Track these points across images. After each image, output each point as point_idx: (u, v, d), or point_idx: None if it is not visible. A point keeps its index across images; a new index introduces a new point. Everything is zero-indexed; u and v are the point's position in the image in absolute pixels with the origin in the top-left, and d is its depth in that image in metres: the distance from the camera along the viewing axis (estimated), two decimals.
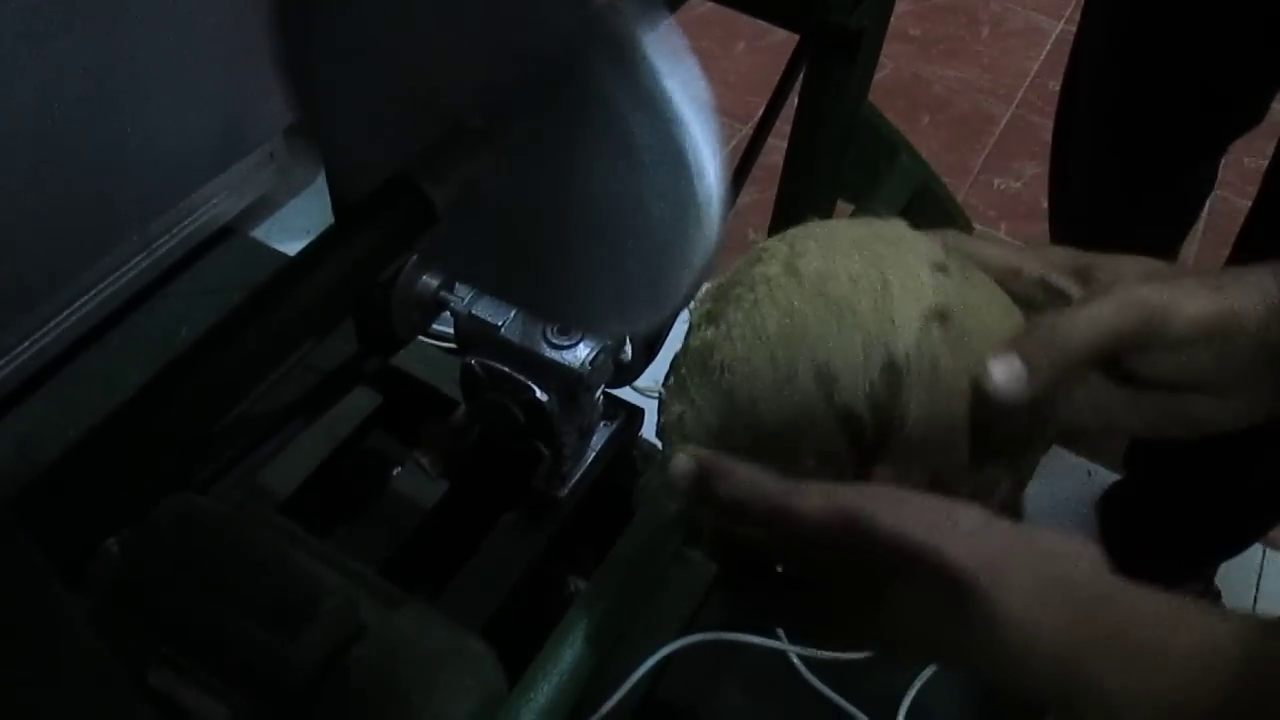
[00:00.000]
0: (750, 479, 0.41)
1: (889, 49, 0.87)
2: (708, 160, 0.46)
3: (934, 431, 0.41)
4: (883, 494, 0.39)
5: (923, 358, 0.41)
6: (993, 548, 0.37)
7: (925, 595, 0.37)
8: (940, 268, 0.44)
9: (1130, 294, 0.41)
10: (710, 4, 0.87)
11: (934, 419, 0.41)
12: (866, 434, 0.41)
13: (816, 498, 0.39)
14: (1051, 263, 0.46)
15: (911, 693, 1.13)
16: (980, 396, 0.41)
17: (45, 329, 1.26)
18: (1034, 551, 0.37)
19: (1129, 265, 0.45)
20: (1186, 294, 0.41)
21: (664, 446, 0.47)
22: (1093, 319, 0.41)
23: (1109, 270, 0.45)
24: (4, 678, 0.24)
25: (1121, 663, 0.35)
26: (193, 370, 0.35)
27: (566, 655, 0.71)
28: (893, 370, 0.41)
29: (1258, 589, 1.35)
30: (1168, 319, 0.40)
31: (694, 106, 0.45)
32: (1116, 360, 0.43)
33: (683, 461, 0.42)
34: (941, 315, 0.42)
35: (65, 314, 1.28)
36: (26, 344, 1.25)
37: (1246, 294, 0.41)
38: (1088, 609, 0.36)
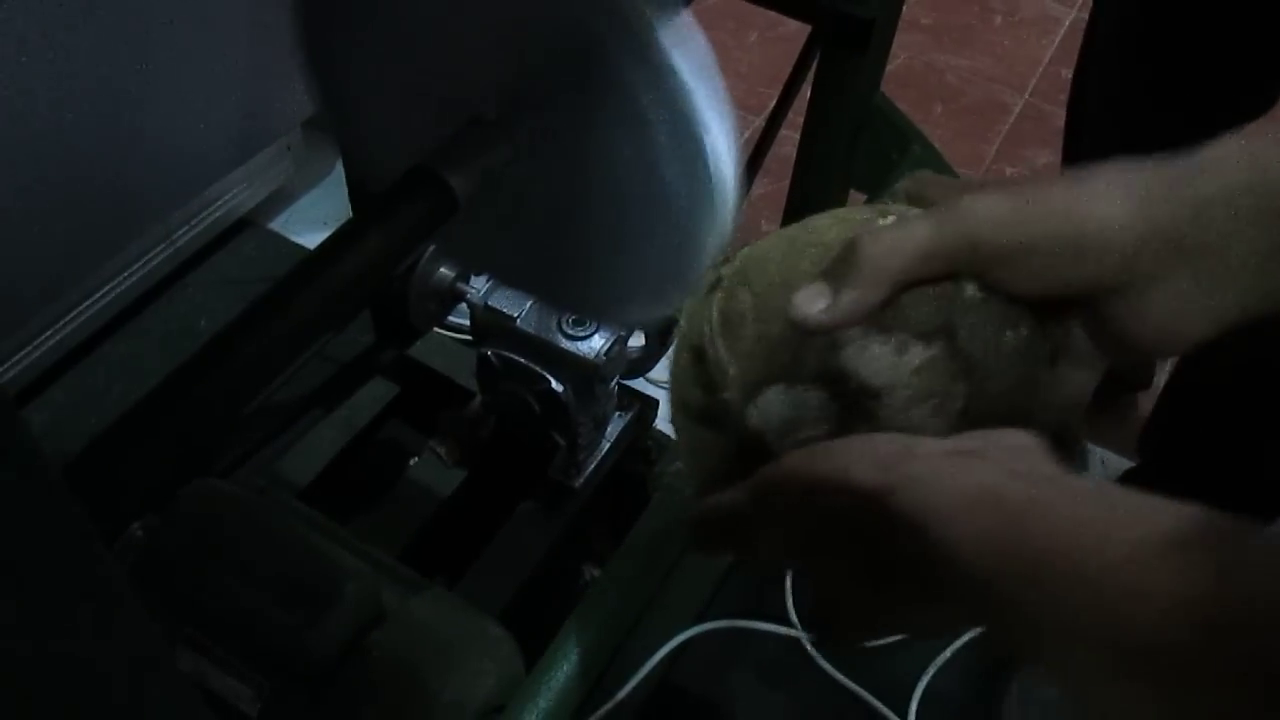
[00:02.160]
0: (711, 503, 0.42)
1: (901, 38, 0.87)
2: (723, 148, 0.47)
3: (755, 359, 0.43)
4: (799, 452, 0.39)
5: (710, 323, 0.45)
6: (912, 465, 0.34)
7: (853, 529, 0.36)
8: (722, 262, 0.48)
9: (958, 213, 0.40)
10: None
11: (748, 354, 0.44)
12: (714, 410, 0.44)
13: (739, 488, 0.40)
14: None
15: (925, 679, 1.13)
16: (793, 325, 0.41)
17: (67, 319, 1.28)
18: (960, 461, 0.35)
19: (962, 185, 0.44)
20: (1022, 216, 0.39)
21: (677, 436, 0.49)
22: (908, 236, 0.40)
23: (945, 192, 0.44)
24: (51, 629, 0.25)
25: (1043, 590, 0.31)
26: (230, 351, 0.36)
27: (583, 639, 0.72)
28: (696, 351, 0.45)
29: None
30: (998, 238, 0.39)
31: (709, 95, 0.46)
32: (981, 278, 0.41)
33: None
34: (712, 287, 0.46)
35: (86, 304, 1.30)
36: (48, 333, 1.27)
37: (1105, 195, 0.39)
38: (1012, 522, 0.32)
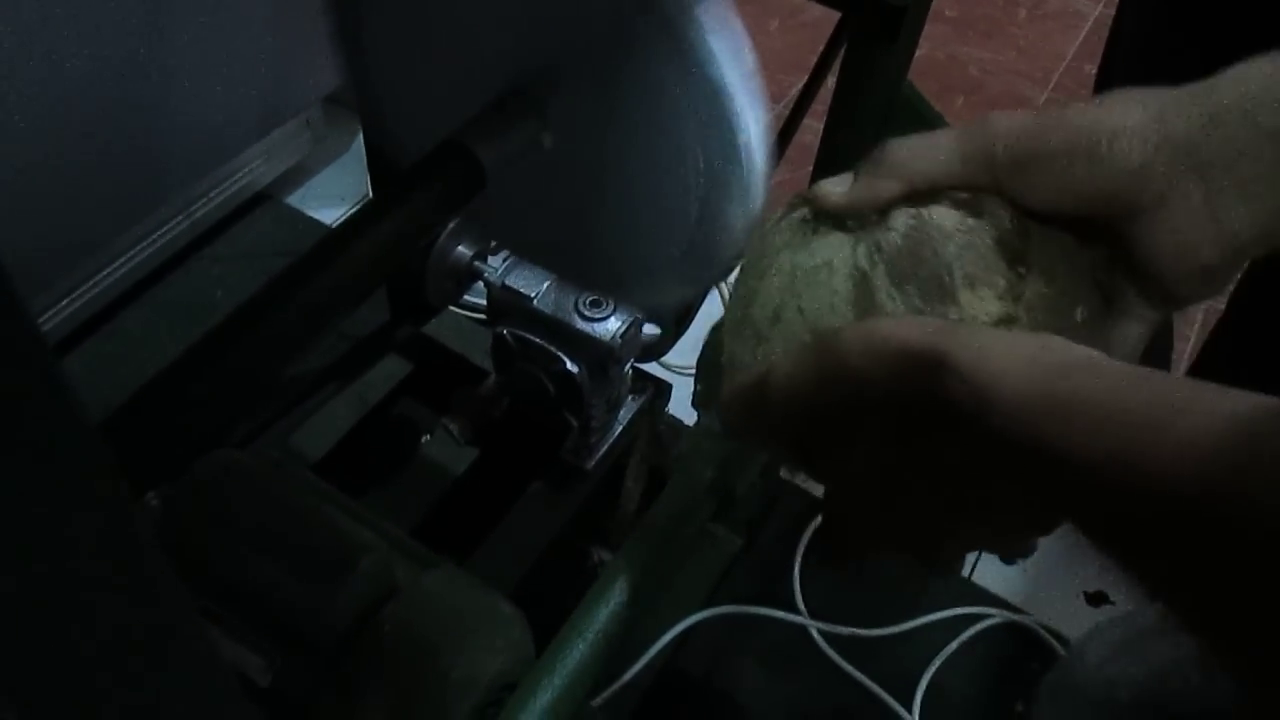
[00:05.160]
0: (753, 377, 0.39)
1: (924, 29, 0.86)
2: (754, 132, 0.46)
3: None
4: (849, 325, 0.38)
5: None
6: (955, 327, 0.34)
7: (896, 391, 0.34)
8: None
9: (984, 120, 0.40)
10: None
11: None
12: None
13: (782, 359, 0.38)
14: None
15: (931, 670, 1.14)
16: (816, 205, 0.41)
17: (84, 288, 1.29)
18: (1009, 333, 0.34)
19: None
20: (1053, 120, 0.39)
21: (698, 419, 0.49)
22: (931, 138, 0.41)
23: None
24: (84, 581, 0.26)
25: (1096, 429, 0.30)
26: (271, 311, 0.36)
27: (598, 618, 0.72)
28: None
29: None
30: (1020, 141, 0.39)
31: (741, 76, 0.45)
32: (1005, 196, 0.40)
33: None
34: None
35: (104, 274, 1.30)
36: (65, 302, 1.27)
37: (1127, 102, 0.39)
38: (1063, 370, 0.31)
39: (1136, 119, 0.38)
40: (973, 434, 0.33)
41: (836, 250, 0.40)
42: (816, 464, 0.40)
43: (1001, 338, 0.33)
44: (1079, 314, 0.41)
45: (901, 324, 0.35)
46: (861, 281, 0.40)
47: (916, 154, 0.40)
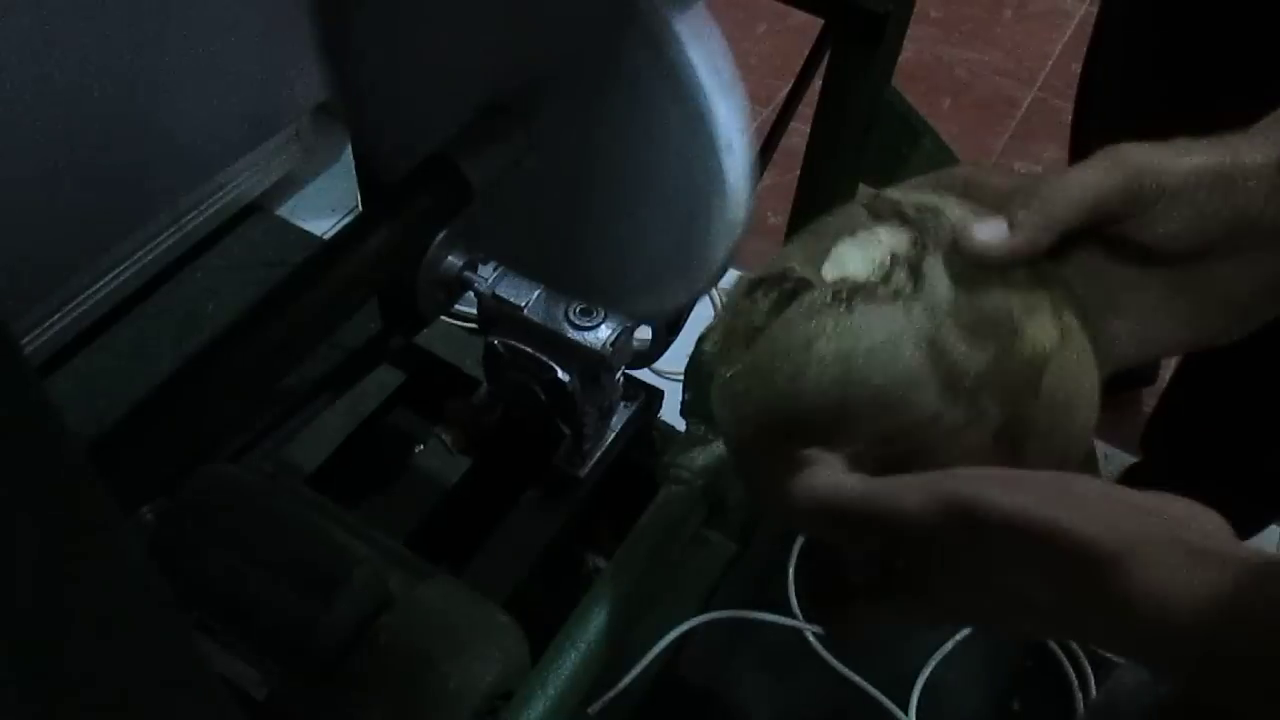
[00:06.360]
0: (836, 483, 0.38)
1: (910, 31, 0.87)
2: (736, 140, 0.47)
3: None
4: (987, 475, 0.37)
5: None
6: (1122, 518, 0.34)
7: (1053, 574, 0.35)
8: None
9: (1118, 153, 0.41)
10: None
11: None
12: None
13: (918, 492, 0.36)
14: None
15: (927, 671, 1.14)
16: (968, 258, 0.40)
17: (76, 301, 1.29)
18: (1167, 519, 0.35)
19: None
20: (1179, 149, 0.40)
21: (687, 428, 0.49)
22: (1079, 178, 0.40)
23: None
24: (75, 607, 0.26)
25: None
26: (258, 333, 0.37)
27: (592, 626, 0.73)
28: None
29: None
30: (1161, 173, 0.40)
31: (723, 87, 0.46)
32: (1115, 228, 0.41)
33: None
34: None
35: (96, 287, 1.30)
36: (58, 316, 1.27)
37: (1250, 141, 0.40)
38: (1233, 578, 0.33)
39: (1262, 150, 0.40)
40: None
41: (889, 323, 0.39)
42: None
43: (1184, 558, 0.34)
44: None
45: (1088, 521, 0.34)
46: (932, 345, 0.39)
47: (1067, 196, 0.40)
